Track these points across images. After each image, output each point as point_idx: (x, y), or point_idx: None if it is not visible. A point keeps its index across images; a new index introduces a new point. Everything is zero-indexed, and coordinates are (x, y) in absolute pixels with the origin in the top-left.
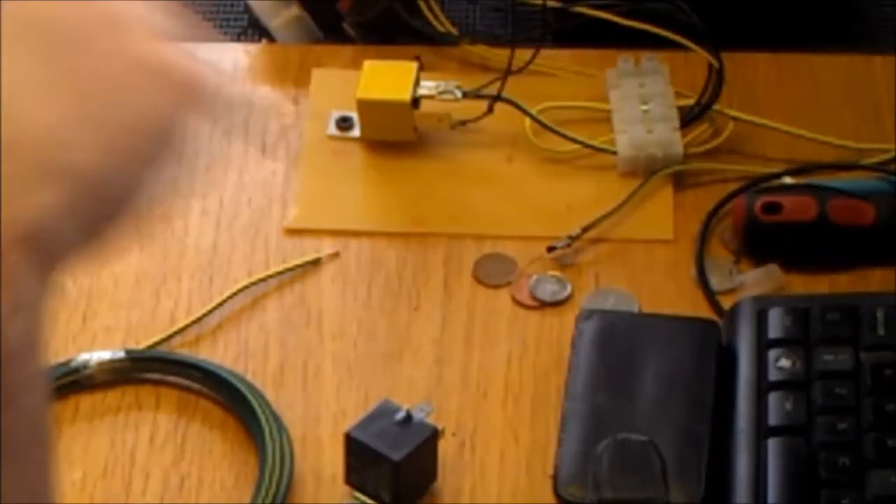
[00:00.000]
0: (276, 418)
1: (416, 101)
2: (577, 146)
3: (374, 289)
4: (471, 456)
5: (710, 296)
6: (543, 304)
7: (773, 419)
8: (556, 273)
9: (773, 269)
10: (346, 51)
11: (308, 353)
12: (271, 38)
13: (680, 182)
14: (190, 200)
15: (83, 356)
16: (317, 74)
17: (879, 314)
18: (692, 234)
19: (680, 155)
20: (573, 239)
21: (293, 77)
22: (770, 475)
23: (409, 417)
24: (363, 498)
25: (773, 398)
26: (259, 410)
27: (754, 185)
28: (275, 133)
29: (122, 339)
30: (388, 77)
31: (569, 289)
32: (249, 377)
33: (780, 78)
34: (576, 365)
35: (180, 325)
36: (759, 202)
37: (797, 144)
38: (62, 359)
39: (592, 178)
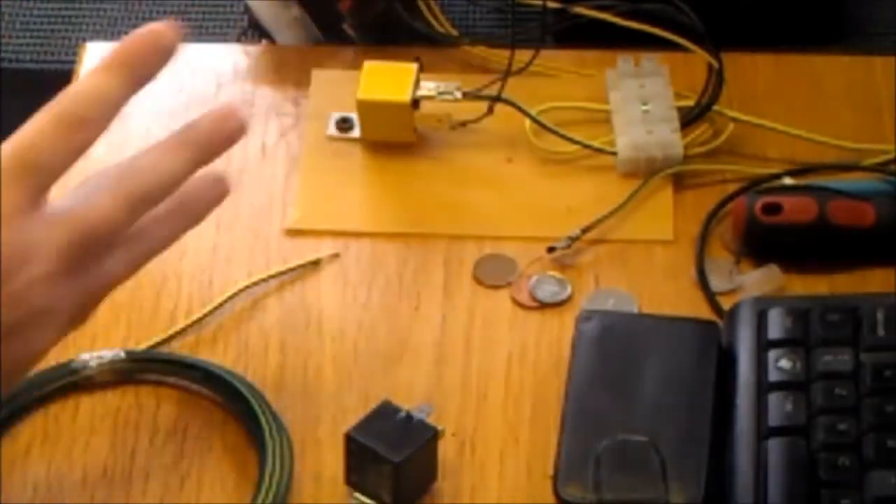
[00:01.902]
0: (276, 418)
1: (416, 102)
2: (576, 147)
3: (374, 290)
4: (471, 456)
5: (710, 297)
6: (543, 305)
7: (773, 419)
8: (556, 274)
9: (772, 270)
10: (346, 52)
11: (308, 354)
12: (271, 40)
13: (680, 183)
14: None
15: (83, 356)
16: (317, 75)
17: (879, 315)
18: (692, 234)
19: (680, 156)
20: (573, 240)
21: (293, 78)
22: (770, 475)
23: (409, 418)
24: (363, 498)
25: (773, 399)
26: (259, 411)
27: (754, 185)
28: (275, 133)
29: (122, 339)
30: (388, 78)
31: (569, 290)
32: (249, 378)
33: (780, 78)
34: (576, 366)
35: (180, 325)
36: (760, 203)
37: (797, 145)
38: (62, 359)
39: (592, 178)
